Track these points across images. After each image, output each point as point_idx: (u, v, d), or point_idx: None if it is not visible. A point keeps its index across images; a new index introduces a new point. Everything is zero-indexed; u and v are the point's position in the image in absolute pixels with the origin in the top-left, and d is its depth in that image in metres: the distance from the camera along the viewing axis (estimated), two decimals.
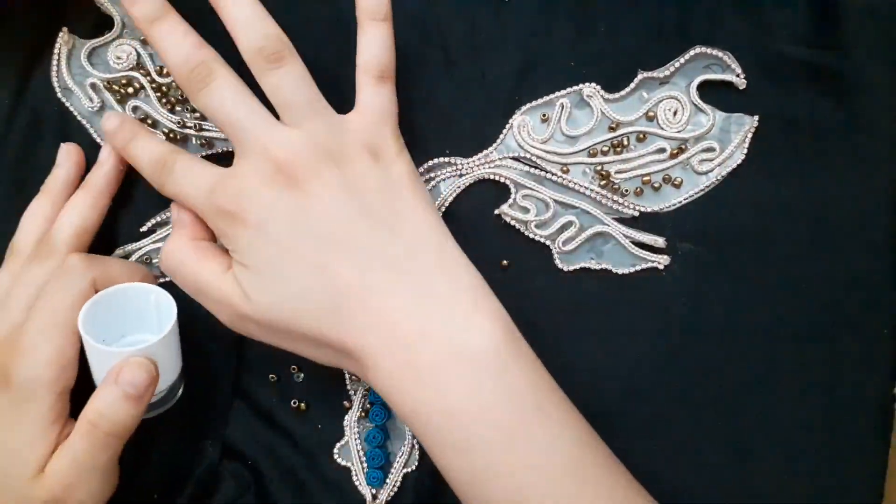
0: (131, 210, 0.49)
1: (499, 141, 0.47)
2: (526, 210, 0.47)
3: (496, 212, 0.47)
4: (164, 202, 0.47)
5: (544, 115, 0.47)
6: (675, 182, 0.46)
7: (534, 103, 0.46)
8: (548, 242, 0.47)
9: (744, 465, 0.47)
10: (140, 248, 0.48)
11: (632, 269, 0.47)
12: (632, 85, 0.46)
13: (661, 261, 0.47)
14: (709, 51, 0.45)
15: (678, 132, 0.46)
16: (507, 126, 0.47)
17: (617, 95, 0.46)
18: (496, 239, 0.47)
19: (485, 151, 0.47)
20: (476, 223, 0.47)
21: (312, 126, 0.40)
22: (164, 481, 0.48)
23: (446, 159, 0.47)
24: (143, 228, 0.48)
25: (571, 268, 0.47)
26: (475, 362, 0.37)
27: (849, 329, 0.47)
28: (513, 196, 0.47)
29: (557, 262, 0.47)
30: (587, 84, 0.46)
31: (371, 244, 0.39)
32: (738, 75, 0.45)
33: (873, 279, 0.46)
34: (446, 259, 0.40)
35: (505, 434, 0.37)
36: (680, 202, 0.46)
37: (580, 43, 0.46)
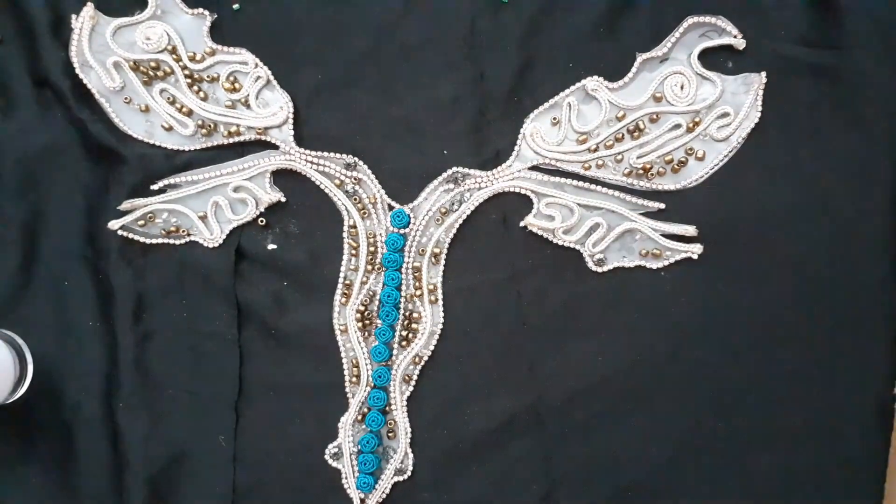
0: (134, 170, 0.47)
1: (515, 153, 0.46)
2: (551, 218, 0.46)
3: (521, 223, 0.46)
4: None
5: (554, 119, 0.46)
6: (698, 155, 0.46)
7: (541, 108, 0.46)
8: (577, 247, 0.46)
9: (743, 465, 0.47)
10: (147, 206, 0.47)
11: (666, 263, 0.46)
12: (633, 69, 0.45)
13: (695, 250, 0.46)
14: (702, 18, 0.45)
15: (689, 105, 0.45)
16: (520, 136, 0.46)
17: (620, 83, 0.45)
18: (520, 250, 0.47)
19: (503, 164, 0.46)
20: (498, 235, 0.47)
21: None
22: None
23: (466, 171, 0.46)
24: (155, 187, 0.47)
25: (604, 269, 0.46)
26: None
27: (849, 329, 0.46)
28: (536, 206, 0.46)
29: (590, 264, 0.46)
30: (590, 78, 0.45)
31: None
32: (735, 36, 0.45)
33: (873, 279, 0.46)
34: None
35: None
36: (707, 173, 0.46)
37: (579, 43, 0.46)
